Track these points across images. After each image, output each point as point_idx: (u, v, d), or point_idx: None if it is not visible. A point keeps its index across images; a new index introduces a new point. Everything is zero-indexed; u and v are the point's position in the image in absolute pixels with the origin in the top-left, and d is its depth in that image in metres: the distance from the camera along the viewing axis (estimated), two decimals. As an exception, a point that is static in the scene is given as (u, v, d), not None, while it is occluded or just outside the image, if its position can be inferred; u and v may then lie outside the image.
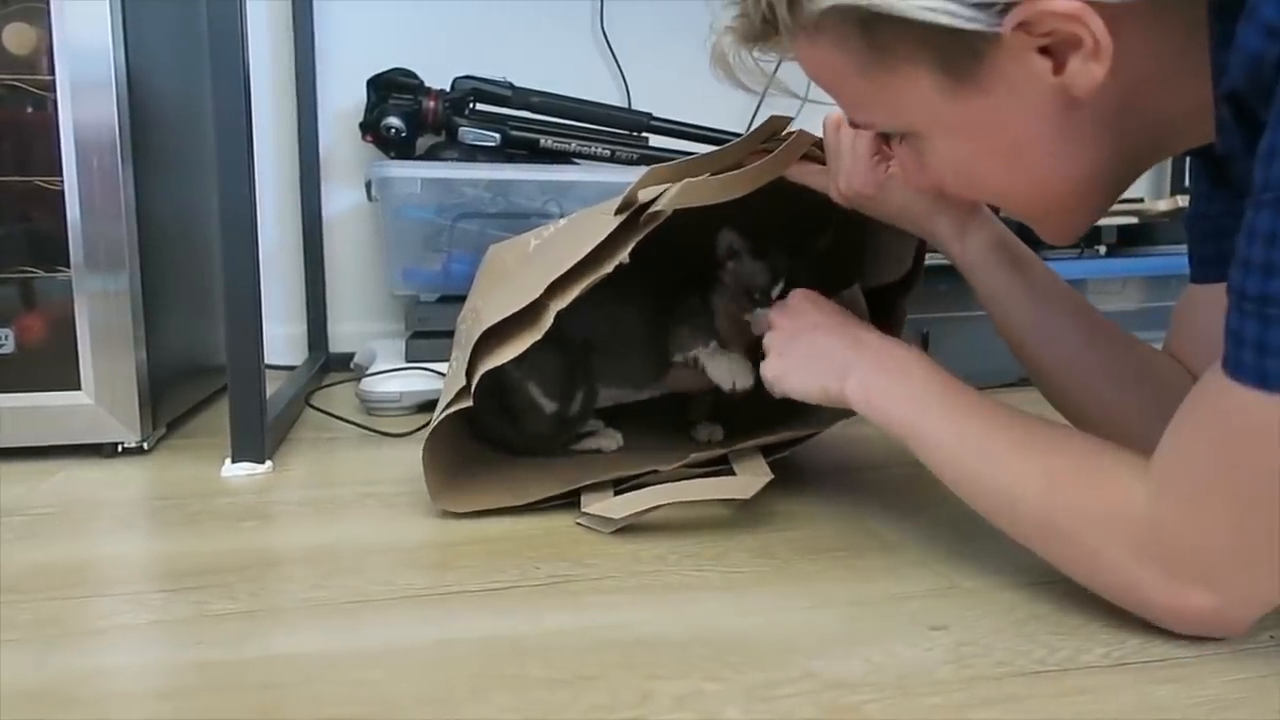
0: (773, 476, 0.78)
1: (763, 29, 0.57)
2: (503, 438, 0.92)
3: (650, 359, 0.92)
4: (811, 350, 0.72)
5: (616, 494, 0.78)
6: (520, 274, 0.79)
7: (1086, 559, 0.57)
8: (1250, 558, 0.51)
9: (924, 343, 1.22)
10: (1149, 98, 0.53)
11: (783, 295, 0.80)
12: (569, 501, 0.79)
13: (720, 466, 0.83)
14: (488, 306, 0.77)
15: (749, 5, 0.56)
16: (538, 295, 0.73)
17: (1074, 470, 0.57)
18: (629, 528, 0.75)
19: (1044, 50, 0.50)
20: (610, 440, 0.94)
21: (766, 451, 0.83)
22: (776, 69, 0.62)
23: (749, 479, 0.78)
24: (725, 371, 0.87)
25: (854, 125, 0.63)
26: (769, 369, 0.75)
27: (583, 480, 0.81)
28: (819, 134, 0.78)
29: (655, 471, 0.81)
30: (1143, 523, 0.53)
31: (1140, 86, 0.52)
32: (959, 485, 0.63)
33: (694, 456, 0.82)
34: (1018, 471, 0.59)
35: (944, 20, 0.49)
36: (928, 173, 0.61)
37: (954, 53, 0.51)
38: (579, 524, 0.76)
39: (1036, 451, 0.60)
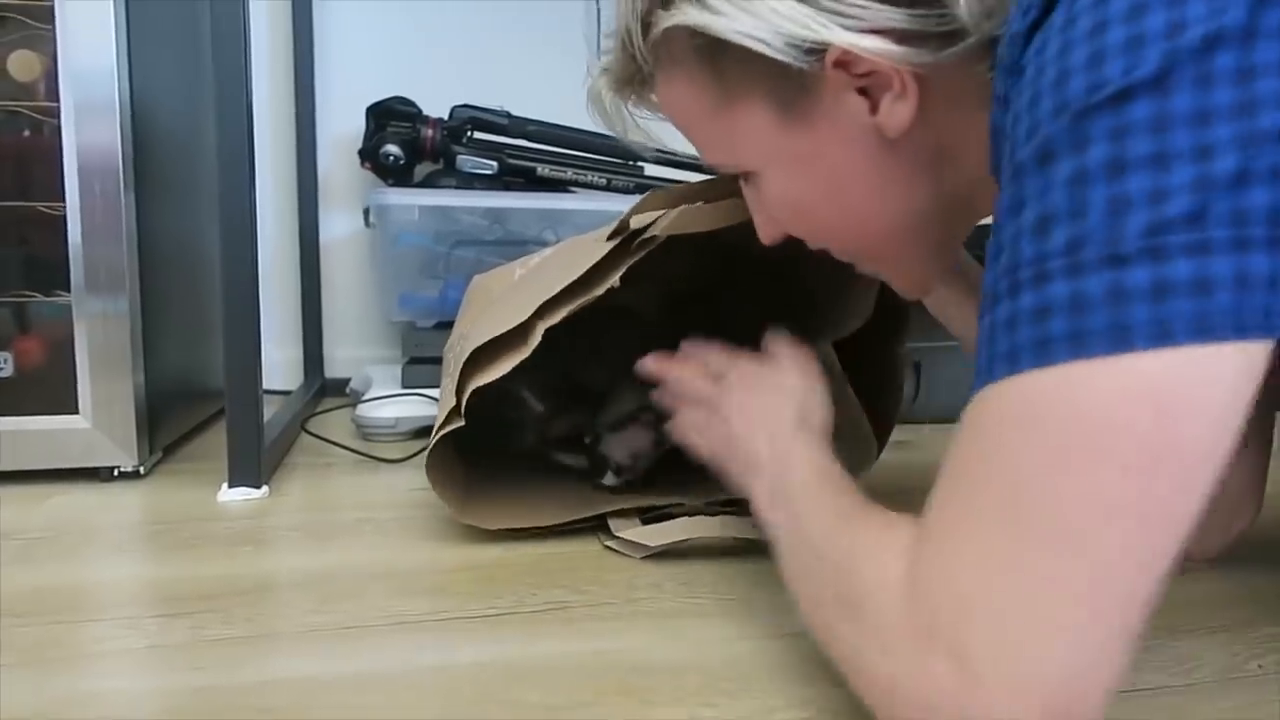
0: None
1: (627, 64, 0.60)
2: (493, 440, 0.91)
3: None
4: (729, 431, 0.66)
5: (644, 523, 0.78)
6: (509, 298, 0.80)
7: (838, 645, 0.47)
8: (1006, 606, 0.38)
9: (916, 373, 1.23)
10: (960, 150, 0.54)
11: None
12: (565, 529, 0.80)
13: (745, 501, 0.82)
14: (476, 330, 0.77)
15: (617, 35, 0.60)
16: (526, 317, 0.73)
17: (861, 551, 0.47)
18: (623, 554, 0.75)
19: (862, 91, 0.52)
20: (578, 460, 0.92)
21: None
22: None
23: None
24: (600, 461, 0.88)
25: (708, 169, 0.64)
26: (681, 427, 0.73)
27: (606, 507, 0.81)
28: None
29: (680, 504, 0.82)
30: (894, 586, 0.42)
31: (950, 138, 0.54)
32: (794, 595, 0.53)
33: (721, 496, 0.80)
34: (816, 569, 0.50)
35: (761, 49, 0.51)
36: (769, 214, 0.63)
37: (786, 87, 0.54)
38: (609, 547, 0.77)
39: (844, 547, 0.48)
